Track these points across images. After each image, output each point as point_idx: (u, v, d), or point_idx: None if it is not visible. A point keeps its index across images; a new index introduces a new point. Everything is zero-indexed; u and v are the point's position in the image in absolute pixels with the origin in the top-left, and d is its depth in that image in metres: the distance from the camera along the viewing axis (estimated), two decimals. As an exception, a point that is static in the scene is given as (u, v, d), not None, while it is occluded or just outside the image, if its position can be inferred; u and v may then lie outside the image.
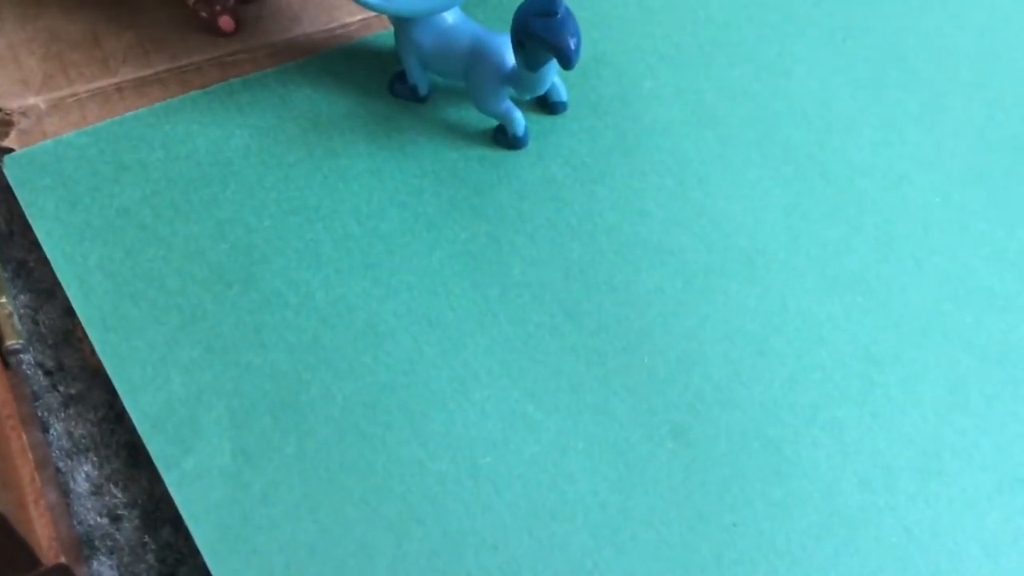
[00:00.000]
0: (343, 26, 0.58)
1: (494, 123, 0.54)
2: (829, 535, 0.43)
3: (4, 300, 0.43)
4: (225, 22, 0.57)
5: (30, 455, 0.40)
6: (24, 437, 0.41)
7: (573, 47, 0.46)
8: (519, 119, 0.52)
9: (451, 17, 0.51)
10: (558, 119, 0.55)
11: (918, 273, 0.51)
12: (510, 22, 0.48)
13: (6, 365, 0.43)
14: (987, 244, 0.52)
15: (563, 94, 0.55)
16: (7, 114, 0.51)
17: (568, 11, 0.46)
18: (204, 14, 0.57)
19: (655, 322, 0.48)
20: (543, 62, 0.48)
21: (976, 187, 0.54)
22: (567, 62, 0.46)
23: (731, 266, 0.50)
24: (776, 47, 0.59)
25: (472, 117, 0.54)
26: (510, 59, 0.50)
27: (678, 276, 0.50)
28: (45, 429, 0.45)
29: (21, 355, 0.45)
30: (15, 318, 0.43)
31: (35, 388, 0.46)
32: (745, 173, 0.54)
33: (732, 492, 0.44)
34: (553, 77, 0.51)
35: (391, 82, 0.55)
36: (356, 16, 0.57)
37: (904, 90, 0.58)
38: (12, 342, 0.43)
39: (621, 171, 0.53)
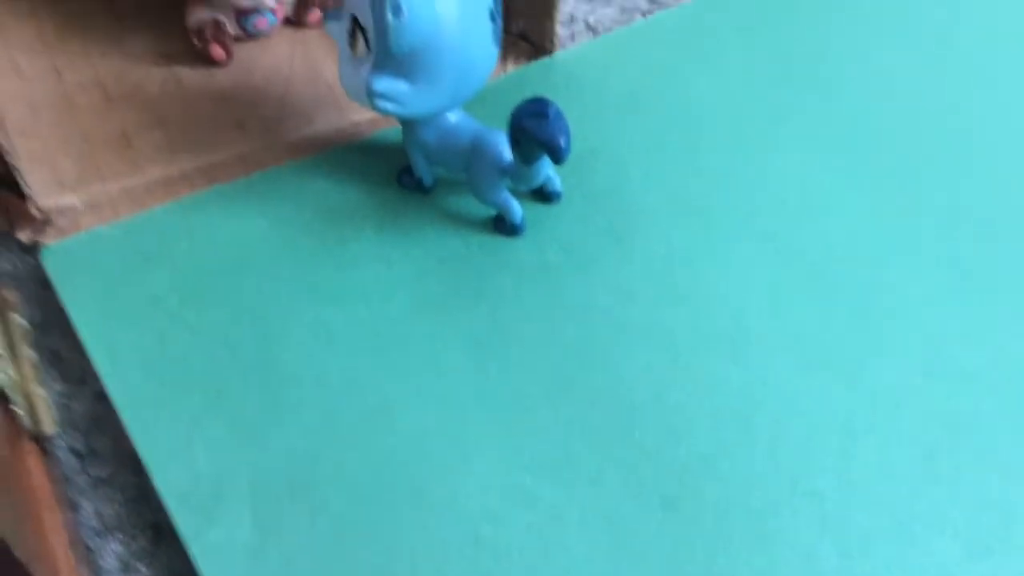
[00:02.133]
0: (353, 124, 0.62)
1: (494, 211, 0.58)
2: (809, 599, 0.46)
3: (42, 391, 0.46)
4: (216, 51, 0.62)
5: (64, 535, 0.43)
6: (59, 518, 0.44)
7: (563, 144, 0.50)
8: (516, 208, 0.57)
9: (453, 117, 0.55)
10: (553, 207, 0.59)
11: (892, 350, 0.54)
12: (507, 121, 0.52)
13: (43, 451, 0.47)
14: (958, 321, 0.55)
15: (557, 184, 0.59)
16: (45, 213, 0.55)
17: (558, 112, 0.51)
18: (197, 42, 0.61)
19: (645, 398, 0.52)
20: (537, 157, 0.53)
21: (948, 267, 0.58)
22: (558, 158, 0.51)
23: (716, 344, 0.54)
24: (756, 136, 0.63)
25: (473, 206, 0.59)
26: (507, 154, 0.54)
27: (666, 354, 0.53)
28: (75, 509, 0.48)
29: (55, 441, 0.49)
30: (52, 407, 0.47)
31: (66, 471, 0.49)
32: (728, 256, 0.58)
33: (719, 561, 0.47)
34: (547, 170, 0.56)
35: (398, 174, 0.60)
36: (365, 115, 0.62)
37: (880, 175, 0.62)
38: (49, 430, 0.46)
39: (612, 256, 0.57)
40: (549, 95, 0.63)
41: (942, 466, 0.50)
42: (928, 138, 0.64)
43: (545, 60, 0.66)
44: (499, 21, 0.53)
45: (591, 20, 0.70)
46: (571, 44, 0.68)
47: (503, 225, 0.57)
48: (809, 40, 0.68)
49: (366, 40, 0.50)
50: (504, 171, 0.54)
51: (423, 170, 0.58)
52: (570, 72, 0.66)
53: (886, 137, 0.64)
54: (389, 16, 0.47)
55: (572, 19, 0.70)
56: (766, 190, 0.61)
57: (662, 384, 0.52)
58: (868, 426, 0.51)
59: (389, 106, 0.52)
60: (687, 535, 0.47)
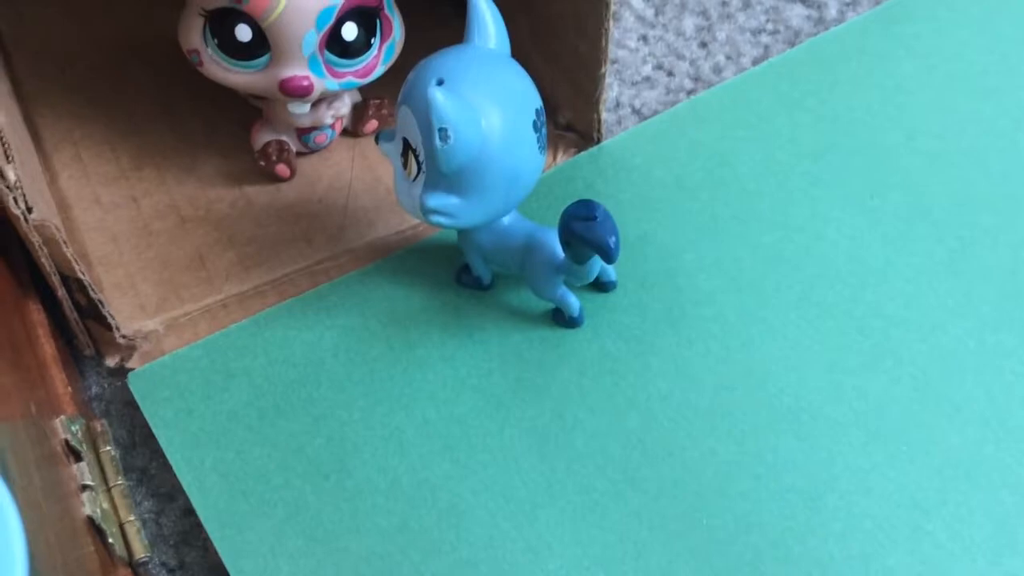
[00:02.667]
0: (412, 227, 0.65)
1: (552, 305, 0.60)
2: None
3: (132, 518, 0.49)
4: (281, 169, 0.65)
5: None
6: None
7: (613, 245, 0.52)
8: (574, 302, 0.58)
9: (506, 219, 0.58)
10: (610, 296, 0.61)
11: (957, 418, 0.54)
12: (558, 218, 0.54)
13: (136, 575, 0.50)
14: (1022, 384, 0.55)
15: (612, 274, 0.60)
16: (130, 339, 0.58)
17: (606, 213, 0.53)
18: (263, 163, 0.65)
19: (711, 484, 0.53)
20: (588, 257, 0.55)
21: (1008, 330, 0.57)
22: (608, 258, 0.52)
23: (779, 424, 0.55)
24: (806, 211, 0.64)
25: (532, 301, 0.61)
26: (560, 252, 0.56)
27: (730, 438, 0.54)
28: (171, 620, 0.51)
29: (148, 564, 0.51)
30: (142, 532, 0.50)
31: (161, 584, 0.52)
32: (785, 333, 0.58)
33: (795, 645, 0.47)
34: (600, 265, 0.57)
35: (457, 274, 0.62)
36: (423, 218, 0.64)
37: (931, 241, 0.62)
38: (141, 556, 0.49)
39: (670, 341, 0.58)
40: (599, 184, 0.66)
41: (1018, 535, 0.50)
42: (978, 200, 0.64)
43: (593, 149, 0.68)
44: (543, 129, 0.55)
45: (636, 104, 0.72)
46: (618, 129, 0.70)
47: (561, 318, 0.59)
48: (853, 109, 0.69)
49: (417, 161, 0.53)
50: (558, 269, 0.56)
51: (481, 269, 0.60)
52: (618, 159, 0.68)
53: (937, 203, 0.64)
54: (437, 141, 0.50)
55: (618, 104, 0.72)
56: (819, 261, 0.61)
57: (728, 469, 0.53)
58: (939, 499, 0.51)
59: (443, 220, 0.54)
60: (762, 622, 0.48)
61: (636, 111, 0.71)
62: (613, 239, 0.52)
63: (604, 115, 0.68)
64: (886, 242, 0.62)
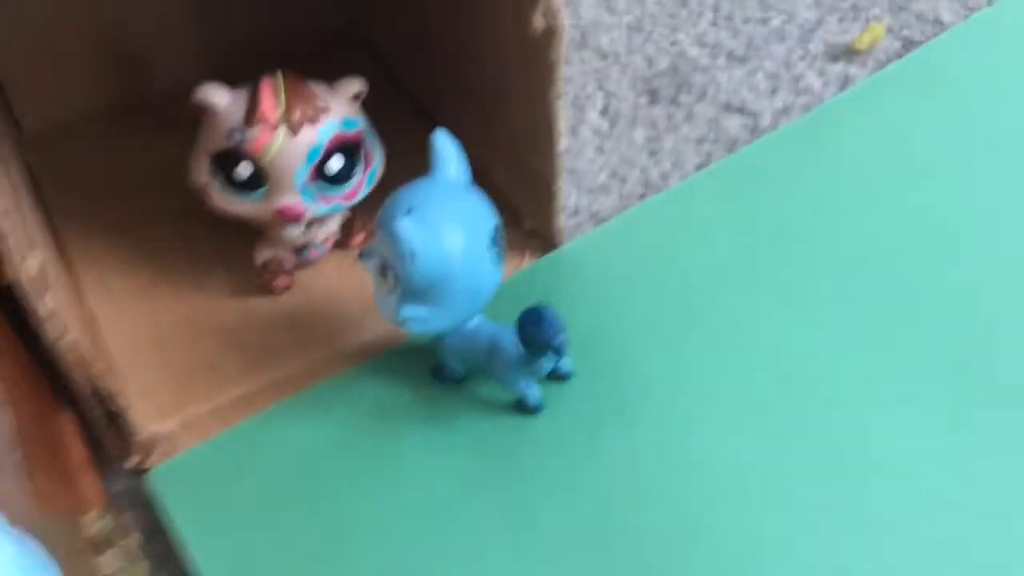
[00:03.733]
0: (395, 331, 0.73)
1: (516, 396, 0.68)
2: None
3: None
4: (279, 283, 0.74)
5: None
6: None
7: (559, 343, 0.61)
8: (534, 393, 0.67)
9: (472, 322, 0.66)
10: (567, 386, 0.69)
11: (885, 492, 0.62)
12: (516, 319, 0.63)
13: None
14: (947, 470, 0.63)
15: (567, 366, 0.69)
16: (149, 441, 0.67)
17: (553, 315, 0.61)
18: (264, 278, 0.74)
19: (663, 557, 0.59)
20: (543, 353, 0.63)
21: (938, 417, 0.65)
22: (557, 352, 0.61)
23: (723, 500, 0.62)
24: (749, 302, 0.72)
25: (500, 392, 0.69)
26: (520, 350, 0.64)
27: (678, 514, 0.61)
28: None
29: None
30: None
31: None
32: (730, 417, 0.66)
33: None
34: (554, 360, 0.66)
35: (433, 370, 0.70)
36: (406, 321, 0.73)
37: (857, 328, 0.70)
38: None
39: (621, 425, 0.66)
40: (559, 284, 0.75)
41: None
42: (903, 289, 0.72)
43: (554, 253, 0.77)
44: (501, 243, 0.64)
45: (594, 208, 0.81)
46: (578, 233, 0.79)
47: (524, 407, 0.67)
48: (786, 209, 0.78)
49: (392, 277, 0.62)
50: (518, 364, 0.65)
51: (454, 366, 0.69)
52: (576, 262, 0.76)
53: (863, 292, 0.72)
54: (406, 262, 0.59)
55: (577, 211, 0.81)
56: (761, 352, 0.70)
57: (678, 543, 0.61)
58: (863, 555, 0.59)
59: (416, 327, 0.63)
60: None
61: (593, 215, 0.80)
62: (560, 338, 0.61)
63: (563, 222, 0.77)
64: (826, 331, 0.70)
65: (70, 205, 0.82)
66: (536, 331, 0.61)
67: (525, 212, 0.78)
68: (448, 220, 0.62)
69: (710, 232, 0.77)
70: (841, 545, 0.60)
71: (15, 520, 0.37)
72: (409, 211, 0.61)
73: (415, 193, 0.63)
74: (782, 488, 0.62)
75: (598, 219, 0.80)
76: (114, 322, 0.75)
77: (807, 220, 0.77)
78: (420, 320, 0.63)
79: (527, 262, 0.77)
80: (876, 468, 0.63)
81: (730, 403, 0.67)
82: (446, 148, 0.65)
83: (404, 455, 0.66)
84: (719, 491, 0.63)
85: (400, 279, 0.62)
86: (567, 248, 0.77)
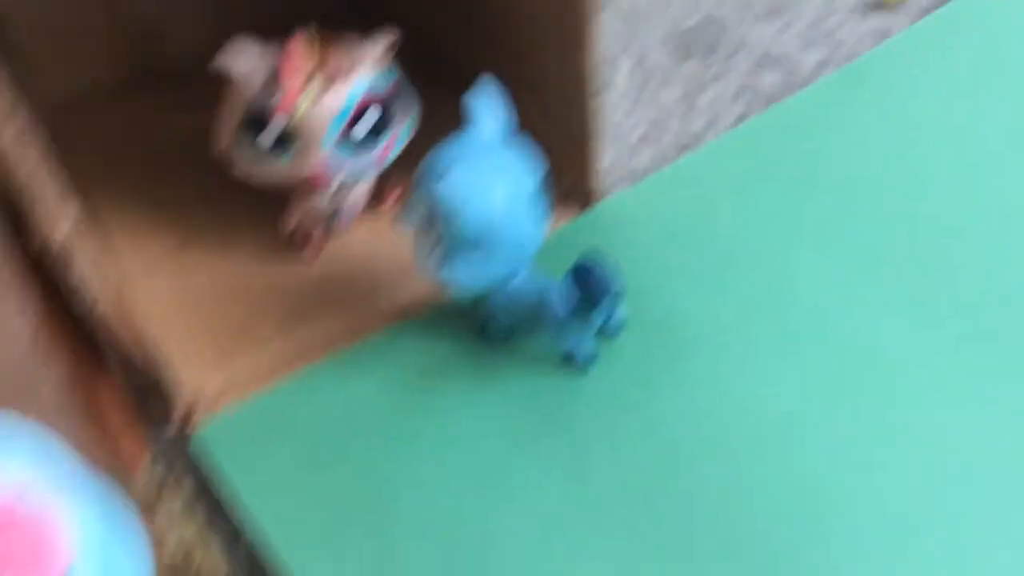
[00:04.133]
0: (436, 288, 0.72)
1: (564, 351, 0.67)
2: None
3: (211, 549, 0.56)
4: (310, 247, 0.73)
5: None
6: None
7: (614, 295, 0.59)
8: (583, 347, 0.65)
9: (519, 278, 0.65)
10: (615, 342, 0.68)
11: (929, 440, 0.61)
12: (564, 275, 0.62)
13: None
14: (989, 415, 0.62)
15: (616, 321, 0.68)
16: (192, 399, 0.66)
17: (607, 268, 0.60)
18: (296, 241, 0.72)
19: (716, 507, 0.59)
20: (595, 305, 0.62)
21: (966, 365, 0.65)
22: (612, 303, 0.60)
23: (772, 452, 0.61)
24: (787, 257, 0.71)
25: (547, 348, 0.67)
26: (570, 304, 0.63)
27: (729, 465, 0.61)
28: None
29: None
30: (217, 567, 0.56)
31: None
32: (776, 369, 0.65)
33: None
34: (605, 313, 0.65)
35: (480, 327, 0.69)
36: (445, 279, 0.72)
37: (893, 277, 0.69)
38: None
39: (670, 380, 0.65)
40: (598, 240, 0.73)
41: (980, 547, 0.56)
42: (938, 235, 0.71)
43: (593, 210, 0.76)
44: (542, 201, 0.63)
45: (630, 166, 0.80)
46: (613, 191, 0.78)
47: (573, 362, 0.66)
48: (824, 161, 0.77)
49: (433, 235, 0.61)
50: (567, 319, 0.63)
51: (500, 323, 0.67)
52: (615, 218, 0.75)
53: (901, 238, 0.71)
54: (449, 218, 0.58)
55: (612, 168, 0.80)
56: (802, 305, 0.69)
57: (730, 491, 0.60)
58: (918, 504, 0.58)
59: (460, 284, 0.62)
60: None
61: (629, 173, 0.79)
62: (613, 289, 0.59)
63: (602, 178, 0.75)
64: (852, 281, 0.69)
65: (96, 173, 0.80)
66: (591, 282, 0.60)
67: (562, 170, 0.77)
68: (491, 174, 0.60)
69: (750, 186, 0.76)
70: (896, 494, 0.59)
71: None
72: (451, 166, 0.60)
73: (456, 148, 0.61)
74: (835, 438, 0.61)
75: (634, 176, 0.79)
76: (147, 287, 0.73)
77: (847, 172, 0.76)
78: (465, 277, 0.61)
79: (565, 220, 0.76)
80: (929, 419, 0.62)
81: (778, 355, 0.66)
82: (487, 101, 0.63)
83: (450, 412, 0.65)
84: (770, 442, 0.62)
85: (443, 236, 0.60)
86: (605, 205, 0.76)
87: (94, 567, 0.32)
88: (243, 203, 0.77)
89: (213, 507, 0.63)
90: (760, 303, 0.69)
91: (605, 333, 0.68)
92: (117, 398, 0.61)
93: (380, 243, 0.76)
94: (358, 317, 0.71)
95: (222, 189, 0.78)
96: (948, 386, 0.63)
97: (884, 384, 0.64)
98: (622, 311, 0.67)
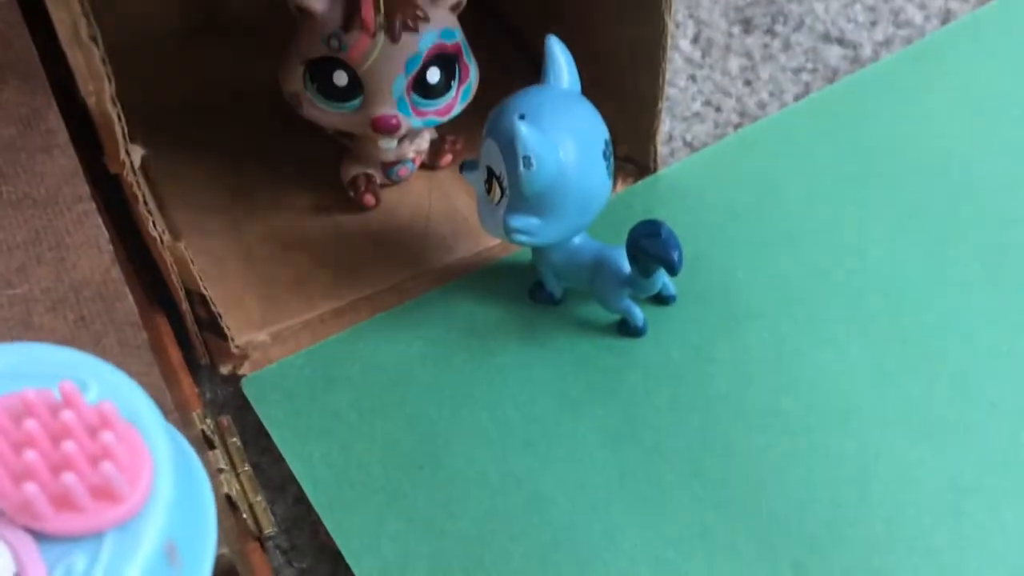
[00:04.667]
0: (488, 249, 0.71)
1: (618, 317, 0.66)
2: (937, 647, 0.51)
3: (259, 499, 0.56)
4: (367, 199, 0.72)
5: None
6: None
7: (677, 258, 0.58)
8: (638, 313, 0.65)
9: (577, 239, 0.64)
10: (670, 309, 0.67)
11: (992, 413, 0.60)
12: (624, 239, 0.61)
13: (263, 549, 0.56)
14: (1052, 384, 0.60)
15: (672, 288, 0.67)
16: (242, 349, 0.65)
17: (670, 230, 0.59)
18: (352, 193, 0.72)
19: (768, 475, 0.58)
20: (654, 270, 0.61)
21: (1038, 335, 0.63)
22: (672, 269, 0.59)
23: (829, 423, 0.60)
24: (848, 231, 0.70)
25: (600, 313, 0.67)
26: (627, 268, 0.62)
27: (784, 435, 0.60)
28: (286, 596, 0.57)
29: (272, 540, 0.58)
30: (268, 510, 0.56)
31: (275, 565, 0.58)
32: (834, 341, 0.64)
33: (849, 615, 0.53)
34: (663, 279, 0.64)
35: (531, 290, 0.68)
36: (497, 241, 0.71)
37: (966, 256, 0.68)
38: (269, 531, 0.55)
39: (725, 348, 0.64)
40: (656, 209, 0.72)
41: (1051, 519, 0.55)
42: (1010, 222, 0.70)
43: (650, 178, 0.75)
44: (611, 158, 0.62)
45: (688, 137, 0.79)
46: (672, 160, 0.77)
47: (627, 328, 0.65)
48: (889, 139, 0.76)
49: (501, 186, 0.60)
50: (625, 282, 0.63)
51: (553, 285, 0.67)
52: (673, 186, 0.74)
53: (971, 222, 0.70)
54: (521, 168, 0.57)
55: (671, 138, 0.78)
56: (863, 278, 0.67)
57: (783, 461, 0.59)
58: (977, 484, 0.57)
59: (524, 238, 0.61)
60: (818, 594, 0.53)
61: (688, 143, 0.78)
62: (677, 253, 0.58)
63: (660, 147, 0.74)
64: (925, 258, 0.68)
65: (148, 123, 0.80)
66: (651, 245, 0.59)
67: (620, 137, 0.75)
68: (563, 127, 0.59)
69: (810, 160, 0.75)
70: (956, 468, 0.57)
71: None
72: (522, 117, 0.59)
73: (528, 99, 0.61)
74: (892, 410, 0.60)
75: (692, 147, 0.78)
76: (197, 235, 0.73)
77: (908, 152, 0.74)
78: (529, 231, 0.61)
79: (622, 187, 0.75)
80: (989, 391, 0.60)
81: (835, 327, 0.65)
82: (560, 57, 0.62)
83: (500, 372, 0.64)
84: (827, 413, 0.61)
85: (511, 187, 0.59)
86: (663, 174, 0.75)
87: (172, 488, 0.32)
88: (299, 155, 0.77)
89: (258, 456, 0.62)
90: (821, 277, 0.67)
91: (659, 300, 0.67)
92: (172, 338, 0.61)
93: (434, 202, 0.75)
94: (409, 275, 0.70)
95: (277, 140, 0.78)
96: (1018, 367, 0.62)
97: (954, 366, 0.62)
98: (676, 280, 0.66)
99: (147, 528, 0.32)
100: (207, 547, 0.35)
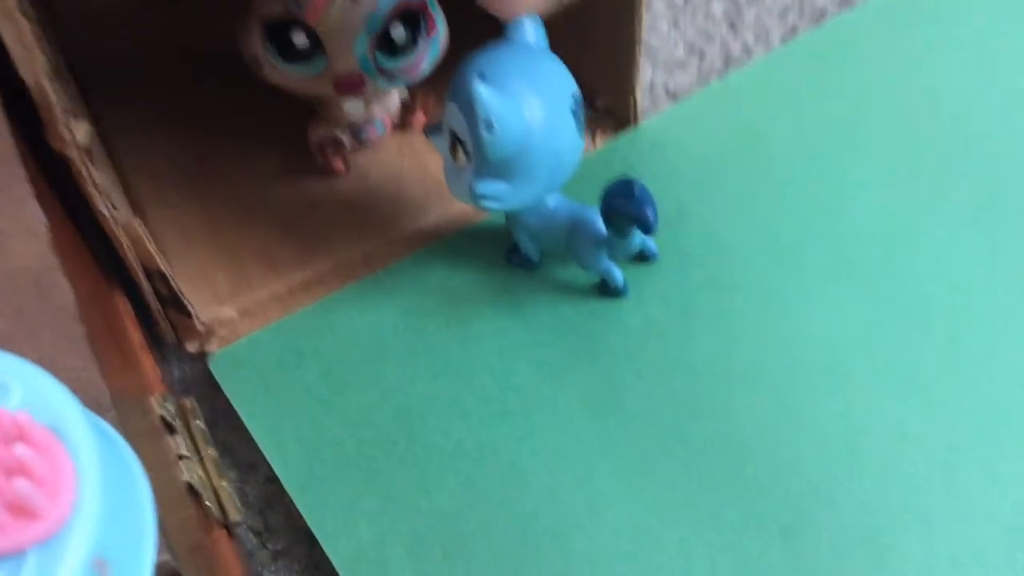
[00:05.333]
0: (462, 213, 0.69)
1: (598, 278, 0.63)
2: (931, 611, 0.49)
3: (225, 484, 0.54)
4: (336, 164, 0.70)
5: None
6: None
7: (651, 217, 0.56)
8: (617, 273, 0.62)
9: (552, 201, 0.61)
10: (652, 268, 0.64)
11: (987, 366, 0.57)
12: (599, 198, 0.58)
13: (230, 535, 0.54)
14: (1050, 333, 0.58)
15: (652, 246, 0.64)
16: (208, 325, 0.63)
17: (643, 188, 0.56)
18: (320, 158, 0.69)
19: (754, 437, 0.56)
20: (630, 230, 0.58)
21: (1035, 282, 0.60)
22: (646, 228, 0.56)
23: (816, 381, 0.58)
24: (838, 179, 0.67)
25: (578, 275, 0.64)
26: (603, 228, 0.60)
27: (771, 394, 0.58)
28: (260, 580, 0.56)
29: (245, 523, 0.56)
30: (234, 496, 0.54)
31: (248, 548, 0.57)
32: (822, 294, 0.62)
33: (840, 580, 0.51)
34: (640, 238, 0.61)
35: (507, 254, 0.66)
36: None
37: (960, 201, 0.65)
38: (235, 517, 0.53)
39: (711, 306, 0.62)
40: (637, 163, 0.70)
41: (1049, 474, 0.53)
42: (1004, 156, 0.67)
43: (631, 131, 0.72)
44: (581, 115, 0.59)
45: (671, 86, 0.75)
46: (653, 112, 0.74)
47: (607, 289, 0.63)
48: (879, 81, 0.72)
49: (465, 151, 0.57)
50: (602, 243, 0.60)
51: (529, 248, 0.64)
52: (655, 139, 0.71)
53: (963, 164, 0.67)
54: (483, 132, 0.54)
55: (652, 88, 0.75)
56: (852, 228, 0.65)
57: (769, 423, 0.56)
58: (971, 442, 0.54)
59: (493, 204, 0.58)
60: (807, 560, 0.51)
61: (670, 93, 0.75)
62: (651, 211, 0.56)
63: (640, 98, 0.71)
64: (916, 204, 0.65)
65: (108, 89, 0.77)
66: (624, 204, 0.56)
67: (599, 88, 0.72)
68: (527, 86, 0.56)
69: (797, 107, 0.71)
70: (949, 425, 0.55)
71: (87, 400, 0.34)
72: (483, 76, 0.56)
73: (490, 57, 0.57)
74: (883, 366, 0.58)
75: (675, 97, 0.74)
76: (159, 205, 0.70)
77: (899, 95, 0.71)
78: (496, 196, 0.58)
79: (602, 141, 0.72)
80: (984, 345, 0.58)
81: (823, 281, 0.62)
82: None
83: (476, 340, 0.62)
84: (814, 371, 0.58)
85: (475, 152, 0.57)
86: (644, 126, 0.72)
87: (99, 501, 0.30)
88: (263, 119, 0.74)
89: (228, 436, 0.60)
90: (808, 229, 0.65)
91: (640, 259, 0.64)
92: (133, 318, 0.59)
93: (407, 164, 0.72)
94: (382, 242, 0.68)
95: (241, 104, 0.75)
96: (1015, 296, 0.59)
97: (947, 318, 0.60)
98: (658, 237, 0.64)
99: (71, 545, 0.30)
100: (143, 559, 0.32)
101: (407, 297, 0.65)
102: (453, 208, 0.69)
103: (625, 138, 0.71)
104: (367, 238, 0.68)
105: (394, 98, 0.71)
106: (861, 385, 0.57)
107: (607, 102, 0.73)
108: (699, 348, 0.60)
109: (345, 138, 0.71)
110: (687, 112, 0.73)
